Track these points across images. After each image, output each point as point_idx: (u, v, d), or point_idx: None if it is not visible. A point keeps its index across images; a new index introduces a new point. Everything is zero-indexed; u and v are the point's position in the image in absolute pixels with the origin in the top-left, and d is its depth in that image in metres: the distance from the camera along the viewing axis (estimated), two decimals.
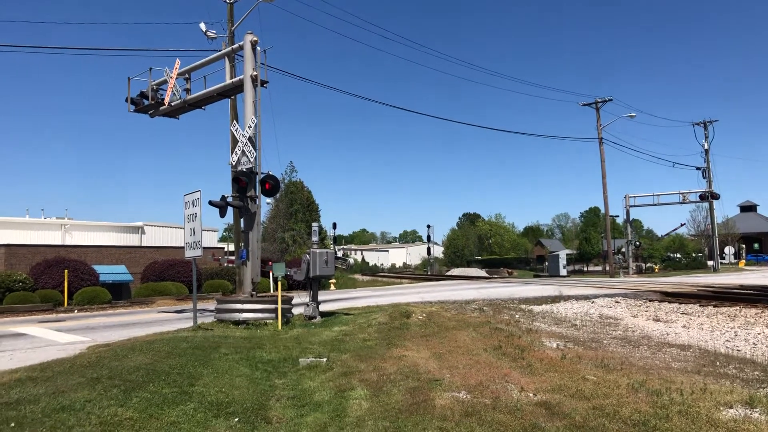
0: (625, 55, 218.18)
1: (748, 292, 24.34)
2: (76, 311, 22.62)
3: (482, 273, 64.08)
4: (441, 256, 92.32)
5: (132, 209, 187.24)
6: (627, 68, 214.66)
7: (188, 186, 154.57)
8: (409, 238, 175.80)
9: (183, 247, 14.75)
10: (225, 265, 26.18)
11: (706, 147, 57.43)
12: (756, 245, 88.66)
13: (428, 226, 68.94)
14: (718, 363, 10.03)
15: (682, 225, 71.79)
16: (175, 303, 25.43)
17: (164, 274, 29.38)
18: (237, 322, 14.39)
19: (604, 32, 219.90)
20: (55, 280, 25.24)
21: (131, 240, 37.22)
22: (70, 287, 24.77)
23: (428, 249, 70.51)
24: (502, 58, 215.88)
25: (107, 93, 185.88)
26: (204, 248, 14.89)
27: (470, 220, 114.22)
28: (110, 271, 29.20)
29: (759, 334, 13.85)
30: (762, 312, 17.58)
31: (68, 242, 33.90)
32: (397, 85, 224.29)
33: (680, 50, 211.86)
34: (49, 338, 13.73)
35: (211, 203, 15.44)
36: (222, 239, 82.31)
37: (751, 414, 6.47)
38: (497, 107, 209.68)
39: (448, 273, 66.36)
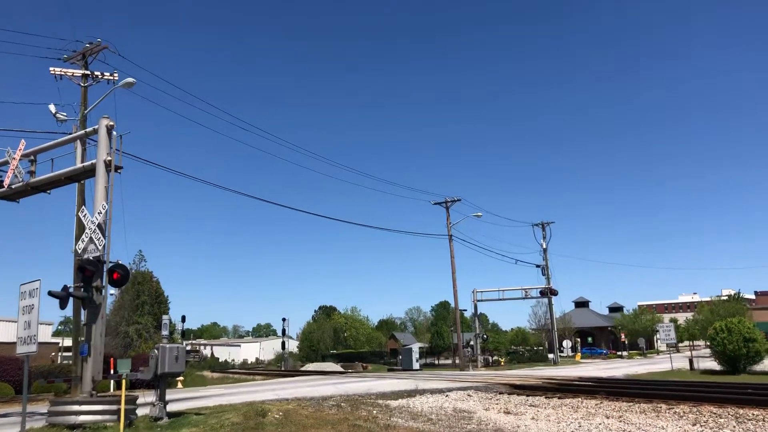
0: (475, 157, 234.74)
1: (587, 383, 25.93)
2: None
3: (338, 367, 63.20)
4: (296, 350, 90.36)
5: None
6: (475, 169, 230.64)
7: (22, 275, 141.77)
8: (263, 332, 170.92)
9: (8, 343, 13.38)
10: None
11: (544, 246, 62.01)
12: (589, 339, 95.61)
13: (283, 320, 67.68)
14: None
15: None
16: None
17: None
18: (73, 426, 13.03)
19: (452, 132, 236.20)
20: None
21: None
22: None
23: (283, 343, 68.84)
24: (355, 152, 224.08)
25: None
26: (39, 343, 13.55)
27: (326, 313, 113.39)
28: None
29: (600, 423, 14.70)
30: (601, 402, 18.76)
31: None
32: (250, 173, 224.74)
33: (519, 153, 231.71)
34: None
35: (51, 294, 14.23)
36: (56, 333, 75.55)
37: None
38: (354, 201, 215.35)
39: (303, 368, 64.83)
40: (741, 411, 15.83)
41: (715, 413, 15.76)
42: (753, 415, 15.16)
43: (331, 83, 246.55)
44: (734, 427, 13.67)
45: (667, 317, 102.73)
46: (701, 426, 13.93)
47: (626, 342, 78.96)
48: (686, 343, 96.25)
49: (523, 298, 60.73)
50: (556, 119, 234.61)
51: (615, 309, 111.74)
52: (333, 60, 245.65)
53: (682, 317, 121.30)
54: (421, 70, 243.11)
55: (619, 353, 78.23)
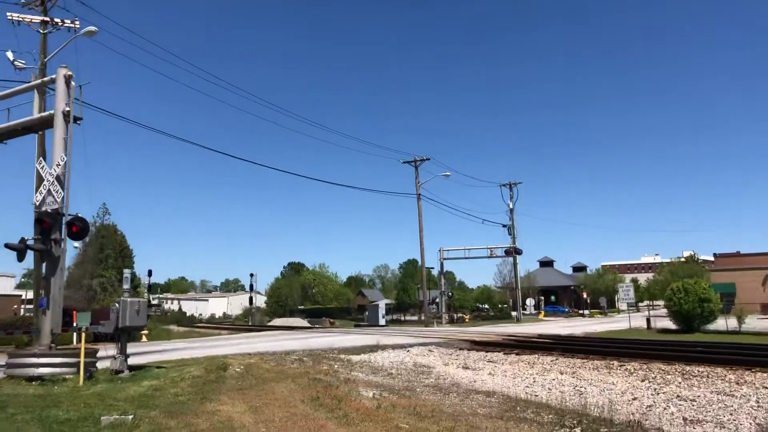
0: (444, 119, 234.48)
1: (545, 341, 26.64)
2: None
3: (305, 323, 63.83)
4: (264, 305, 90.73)
5: None
6: (445, 131, 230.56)
7: None
8: (231, 286, 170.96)
9: None
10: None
11: (510, 206, 62.76)
12: (553, 297, 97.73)
13: (251, 275, 67.78)
14: (518, 408, 10.83)
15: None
16: None
17: None
18: (31, 378, 13.03)
19: (425, 97, 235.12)
20: None
21: None
22: None
23: (250, 298, 69.09)
24: (330, 113, 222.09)
25: None
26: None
27: (295, 269, 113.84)
28: None
29: (554, 379, 15.19)
30: (556, 359, 19.33)
31: None
32: (223, 130, 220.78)
33: (490, 120, 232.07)
34: None
35: (7, 246, 14.05)
36: (20, 285, 74.60)
37: None
38: (324, 159, 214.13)
39: (271, 323, 65.25)
40: (688, 368, 16.48)
41: (663, 370, 16.37)
42: (698, 371, 15.80)
43: (304, 46, 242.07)
44: (679, 382, 14.23)
45: (629, 277, 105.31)
46: (649, 382, 14.48)
47: (588, 301, 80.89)
48: (646, 302, 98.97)
49: (489, 257, 61.74)
50: (525, 89, 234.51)
51: (579, 269, 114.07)
52: (307, 20, 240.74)
53: (643, 278, 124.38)
54: (403, 37, 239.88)
55: (581, 312, 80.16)
